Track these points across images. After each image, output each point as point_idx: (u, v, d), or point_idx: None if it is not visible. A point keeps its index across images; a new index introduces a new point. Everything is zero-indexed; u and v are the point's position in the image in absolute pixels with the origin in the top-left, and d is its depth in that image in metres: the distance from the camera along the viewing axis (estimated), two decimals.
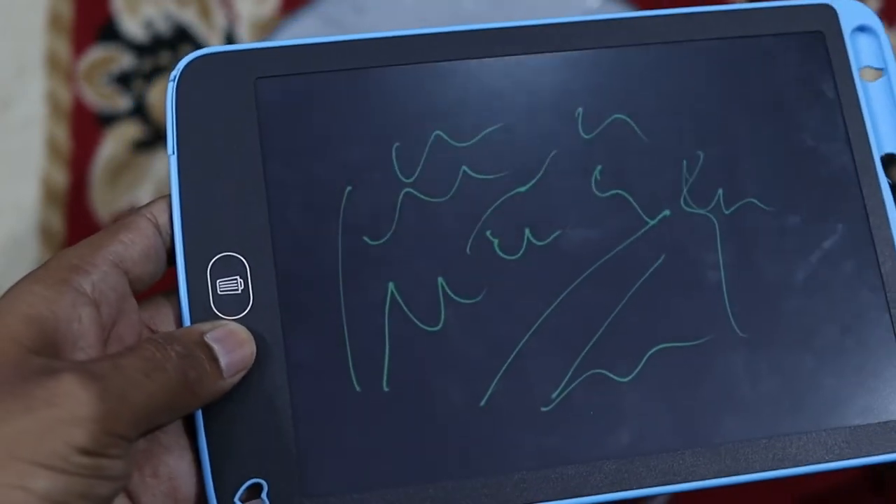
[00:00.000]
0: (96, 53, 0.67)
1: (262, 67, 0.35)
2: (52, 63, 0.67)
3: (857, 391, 0.35)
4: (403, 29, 0.37)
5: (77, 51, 0.67)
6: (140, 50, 0.67)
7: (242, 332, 0.33)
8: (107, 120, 0.66)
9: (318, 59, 0.36)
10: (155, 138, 0.66)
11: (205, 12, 0.68)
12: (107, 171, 0.66)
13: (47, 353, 0.29)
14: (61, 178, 0.65)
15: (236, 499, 0.32)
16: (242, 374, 0.33)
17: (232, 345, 0.32)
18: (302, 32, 0.64)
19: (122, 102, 0.66)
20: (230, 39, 0.68)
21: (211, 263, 0.34)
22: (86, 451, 0.27)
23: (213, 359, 0.32)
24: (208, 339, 0.32)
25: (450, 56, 0.36)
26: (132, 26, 0.68)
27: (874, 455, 0.34)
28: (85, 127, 0.66)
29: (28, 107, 0.66)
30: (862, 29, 0.38)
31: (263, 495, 0.32)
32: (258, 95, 0.35)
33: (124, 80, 0.67)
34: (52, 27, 0.67)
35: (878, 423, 0.35)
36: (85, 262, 0.31)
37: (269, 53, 0.36)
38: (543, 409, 0.34)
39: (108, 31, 0.68)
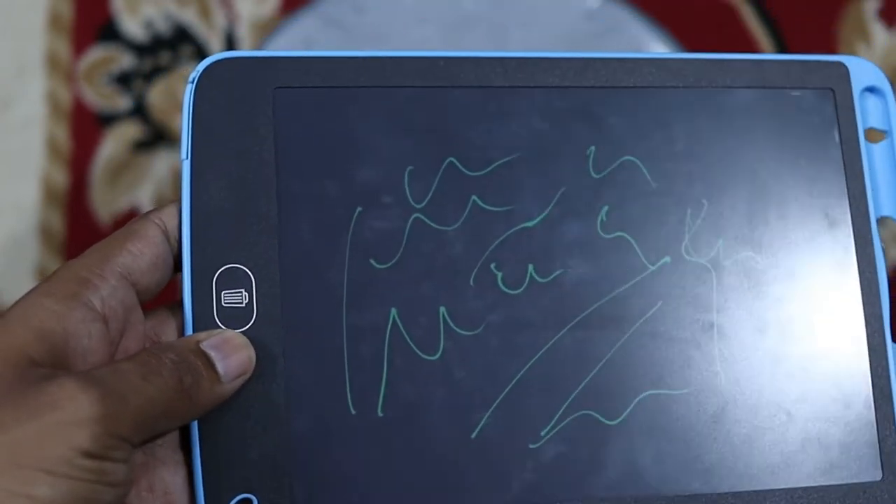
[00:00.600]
0: (96, 53, 0.67)
1: (283, 77, 0.35)
2: (52, 63, 0.67)
3: (837, 453, 0.35)
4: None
5: (77, 51, 0.67)
6: (140, 50, 0.67)
7: (239, 339, 0.33)
8: (107, 120, 0.66)
9: (340, 73, 0.35)
10: (155, 138, 0.66)
11: (205, 12, 0.68)
12: (107, 171, 0.66)
13: (55, 367, 0.29)
14: (61, 178, 0.65)
15: None
16: (242, 379, 0.32)
17: (228, 350, 0.32)
18: (302, 32, 0.64)
19: (122, 102, 0.66)
20: (230, 39, 0.67)
21: (217, 274, 0.34)
22: (89, 454, 0.27)
23: (210, 365, 0.32)
24: (204, 346, 0.32)
25: (471, 82, 0.36)
26: (132, 26, 0.68)
27: None
28: (85, 127, 0.66)
29: (28, 107, 0.66)
30: (871, 90, 0.38)
31: None
32: (276, 105, 0.35)
33: (124, 80, 0.67)
34: (52, 27, 0.67)
35: (855, 483, 0.35)
36: (94, 276, 0.31)
37: (290, 63, 0.35)
38: (532, 445, 0.34)
39: (108, 31, 0.68)
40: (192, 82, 0.35)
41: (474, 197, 0.35)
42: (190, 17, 0.68)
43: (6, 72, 0.67)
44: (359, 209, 0.35)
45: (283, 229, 0.34)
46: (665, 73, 0.37)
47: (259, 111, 0.35)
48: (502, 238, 0.35)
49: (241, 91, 0.35)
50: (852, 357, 0.36)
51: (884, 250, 0.37)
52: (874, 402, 0.36)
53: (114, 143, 0.66)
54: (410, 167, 0.35)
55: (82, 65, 0.67)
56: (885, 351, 0.36)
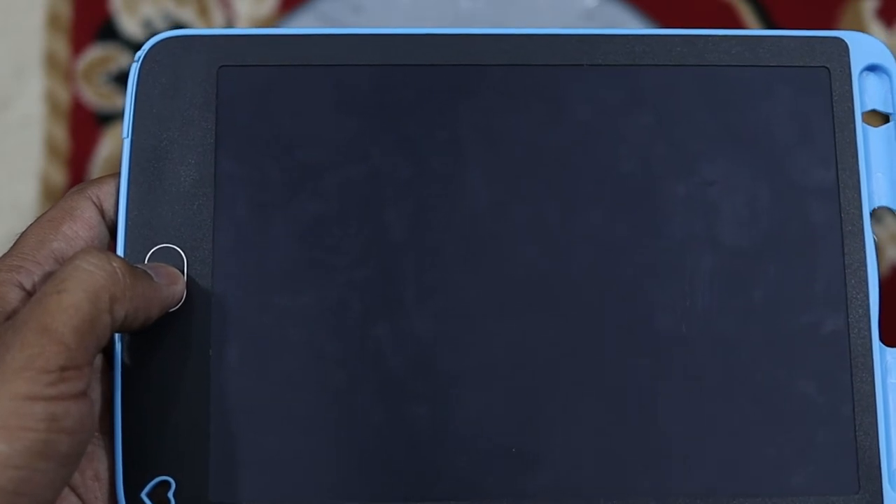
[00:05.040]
0: (95, 53, 0.67)
1: (228, 55, 0.34)
2: (51, 62, 0.67)
3: (809, 464, 0.33)
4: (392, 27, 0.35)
5: (76, 50, 0.67)
6: (139, 49, 0.67)
7: (161, 263, 0.33)
8: (105, 119, 0.66)
9: (286, 52, 0.35)
10: None
11: (203, 11, 0.68)
12: (105, 170, 0.66)
13: None
14: (60, 177, 0.65)
15: (143, 494, 0.32)
16: (175, 290, 0.33)
17: (153, 265, 0.33)
18: None
19: (121, 102, 0.67)
20: None
21: (150, 254, 0.34)
22: (32, 398, 0.27)
23: (140, 269, 0.32)
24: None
25: (421, 60, 0.35)
26: (131, 26, 0.68)
27: None
28: (83, 126, 0.66)
29: (26, 106, 0.66)
30: (873, 68, 0.35)
31: (169, 493, 0.32)
32: (220, 84, 0.34)
33: (123, 80, 0.67)
34: (50, 27, 0.68)
35: (829, 497, 0.33)
36: (27, 262, 0.31)
37: (236, 41, 0.35)
38: (466, 440, 0.33)
39: (106, 31, 0.68)
40: (138, 61, 0.34)
41: (421, 181, 0.34)
42: (188, 16, 0.68)
43: (4, 71, 0.67)
44: (298, 192, 0.34)
45: (218, 211, 0.34)
46: (646, 50, 0.35)
47: (203, 90, 0.34)
48: (448, 224, 0.34)
49: (186, 70, 0.34)
50: (832, 361, 0.33)
51: (877, 244, 0.34)
52: (854, 410, 0.33)
53: (112, 142, 0.66)
54: (355, 149, 0.34)
55: (81, 64, 0.67)
56: (870, 357, 0.33)
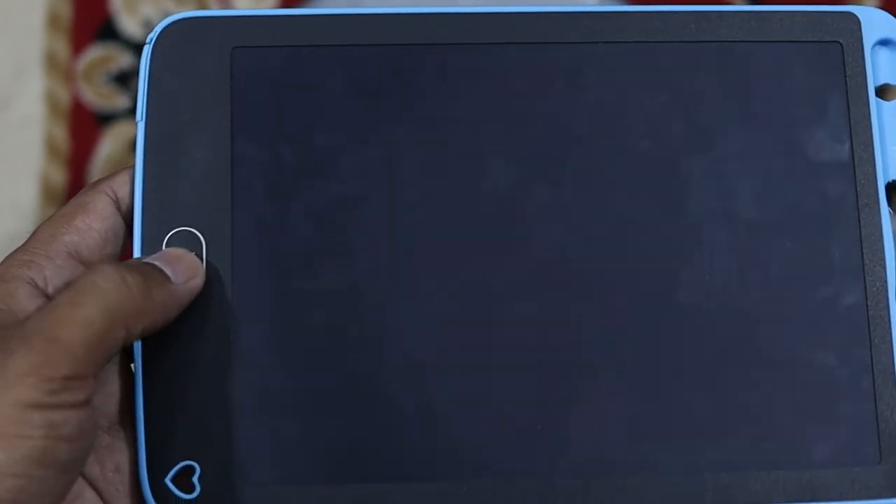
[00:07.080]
0: (95, 53, 0.67)
1: (242, 36, 0.34)
2: (51, 62, 0.67)
3: (829, 435, 0.33)
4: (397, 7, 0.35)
5: (76, 50, 0.67)
6: (139, 49, 0.67)
7: (180, 250, 0.32)
8: (105, 119, 0.66)
9: (301, 32, 0.34)
10: None
11: None
12: (105, 170, 0.66)
13: None
14: (60, 177, 0.65)
15: (167, 479, 0.32)
16: (193, 284, 0.32)
17: (171, 258, 0.32)
18: None
19: (121, 102, 0.66)
20: None
21: (168, 237, 0.33)
22: (33, 406, 0.27)
23: (157, 269, 0.31)
24: (146, 259, 0.32)
25: (439, 40, 0.34)
26: (131, 25, 0.68)
27: (827, 502, 0.33)
28: (83, 126, 0.66)
29: (26, 106, 0.66)
30: (886, 43, 0.35)
31: (194, 478, 0.32)
32: (234, 66, 0.34)
33: (123, 80, 0.67)
34: (50, 27, 0.68)
35: (849, 468, 0.33)
36: (38, 257, 0.31)
37: (249, 22, 0.34)
38: (490, 419, 0.33)
39: (106, 31, 0.68)
40: (150, 43, 0.34)
41: (439, 162, 0.34)
42: None
43: (5, 71, 0.67)
44: (316, 173, 0.34)
45: (237, 193, 0.33)
46: (653, 27, 0.35)
47: (217, 72, 0.34)
48: (466, 204, 0.34)
49: (200, 51, 0.34)
50: (851, 334, 0.33)
51: (892, 215, 0.34)
52: (874, 378, 0.33)
53: (112, 142, 0.66)
54: (373, 129, 0.34)
55: (81, 64, 0.67)
56: (889, 329, 0.33)
